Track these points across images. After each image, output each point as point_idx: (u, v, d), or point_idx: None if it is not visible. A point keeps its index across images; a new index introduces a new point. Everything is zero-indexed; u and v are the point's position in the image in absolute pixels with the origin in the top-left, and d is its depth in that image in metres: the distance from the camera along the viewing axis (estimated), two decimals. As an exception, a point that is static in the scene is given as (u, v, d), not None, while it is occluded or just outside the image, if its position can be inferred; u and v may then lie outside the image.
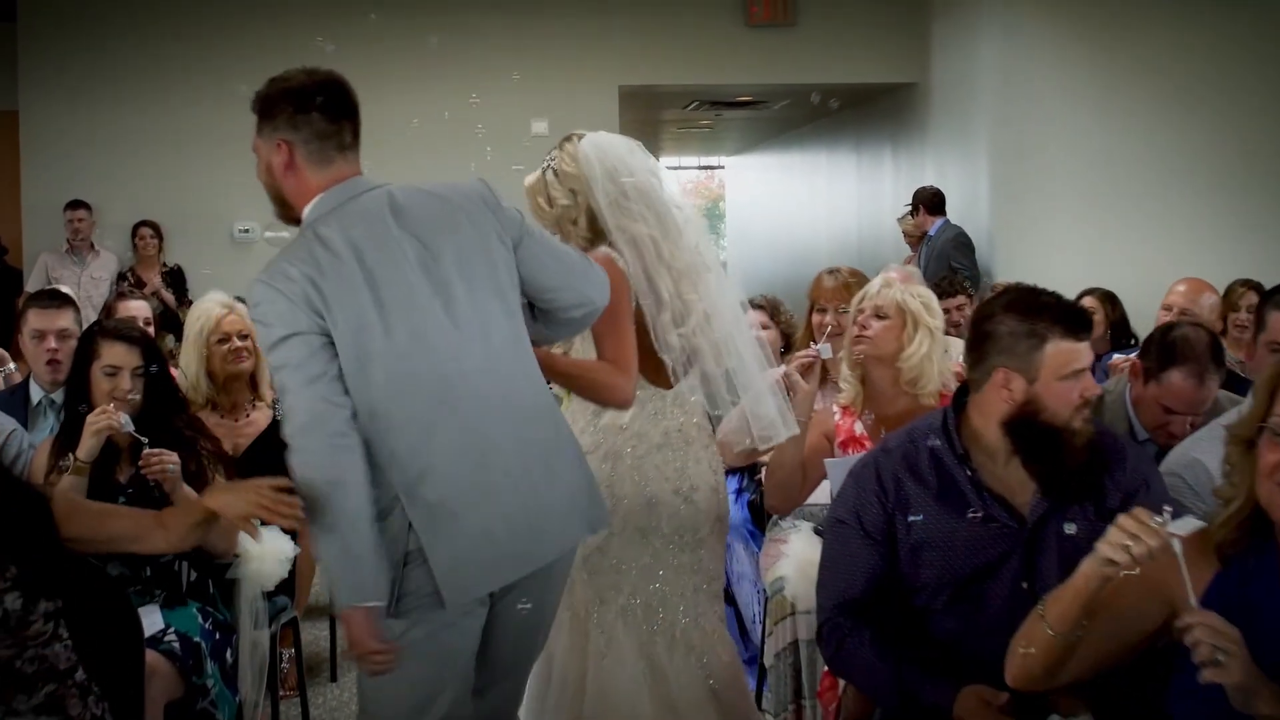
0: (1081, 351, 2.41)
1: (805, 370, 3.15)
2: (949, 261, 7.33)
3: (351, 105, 2.45)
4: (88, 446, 3.11)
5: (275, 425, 3.99)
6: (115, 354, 3.23)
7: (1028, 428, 2.41)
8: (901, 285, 3.23)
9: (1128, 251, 6.71)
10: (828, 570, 2.58)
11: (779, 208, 13.13)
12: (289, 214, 2.47)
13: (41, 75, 8.31)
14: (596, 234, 2.92)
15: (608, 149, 2.94)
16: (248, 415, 4.05)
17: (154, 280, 8.02)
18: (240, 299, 4.30)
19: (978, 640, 2.40)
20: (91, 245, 8.21)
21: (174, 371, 4.20)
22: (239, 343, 3.99)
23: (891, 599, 2.52)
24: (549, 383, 2.69)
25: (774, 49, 8.74)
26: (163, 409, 3.28)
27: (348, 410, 2.28)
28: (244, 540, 3.31)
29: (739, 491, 4.71)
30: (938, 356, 3.21)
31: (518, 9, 8.43)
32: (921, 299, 3.23)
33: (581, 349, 2.92)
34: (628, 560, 2.98)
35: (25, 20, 8.29)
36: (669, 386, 2.98)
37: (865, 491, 2.55)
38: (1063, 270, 6.23)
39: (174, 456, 3.10)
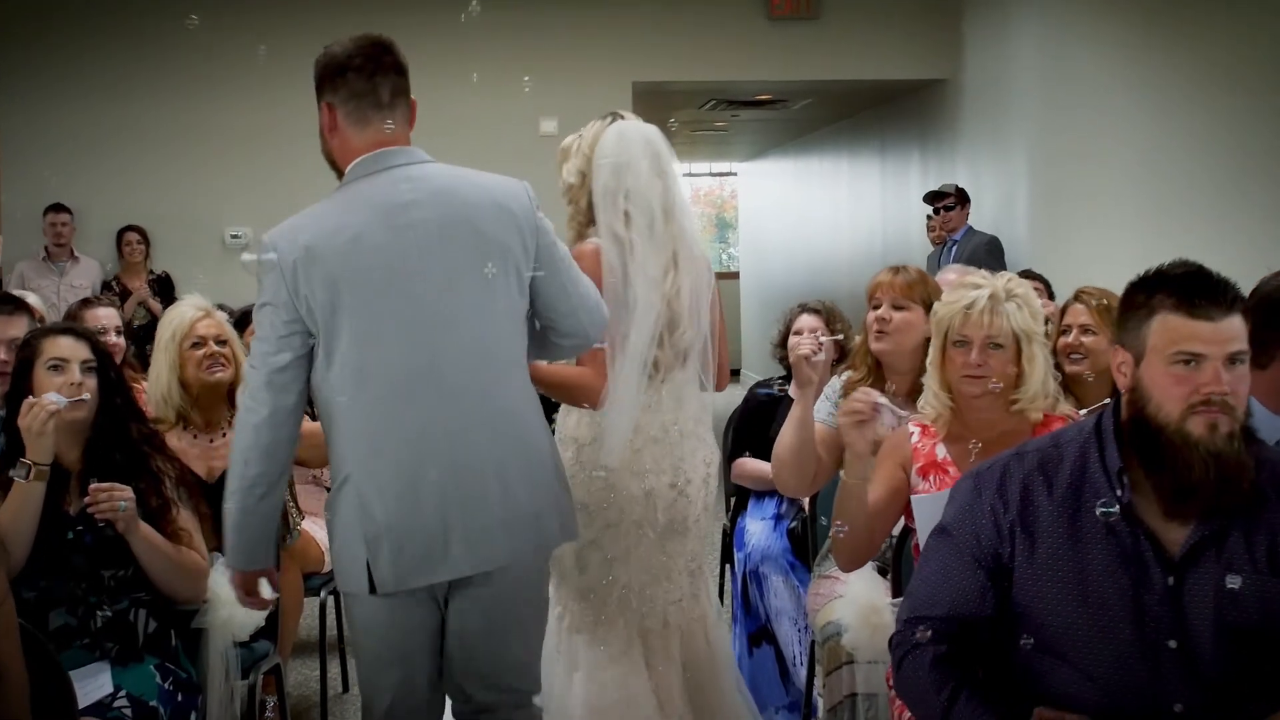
0: (1199, 333, 1.95)
1: (860, 424, 2.67)
2: (982, 269, 6.84)
3: (388, 64, 2.46)
4: (39, 447, 2.66)
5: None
6: (60, 347, 2.79)
7: (1137, 426, 2.00)
8: (1004, 297, 2.73)
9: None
10: (917, 579, 2.22)
11: (796, 215, 12.63)
12: (342, 178, 2.52)
13: (20, 72, 7.85)
14: (593, 220, 3.02)
15: (627, 144, 2.98)
16: (224, 434, 3.56)
17: (141, 288, 7.58)
18: (222, 306, 3.87)
19: (1106, 705, 1.96)
20: (71, 252, 7.79)
21: (141, 386, 3.80)
22: (216, 348, 3.51)
23: (988, 635, 2.10)
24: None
25: (796, 43, 8.26)
26: (116, 416, 2.82)
27: (288, 401, 2.38)
28: (214, 585, 2.83)
29: (777, 518, 4.26)
30: (1050, 366, 2.75)
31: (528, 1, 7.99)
32: (1026, 305, 2.74)
33: None
34: (621, 552, 3.03)
35: (2, 15, 7.85)
36: (662, 380, 3.02)
37: (982, 498, 2.11)
38: (1110, 281, 5.70)
39: (126, 491, 2.62)
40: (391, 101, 2.45)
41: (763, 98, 9.34)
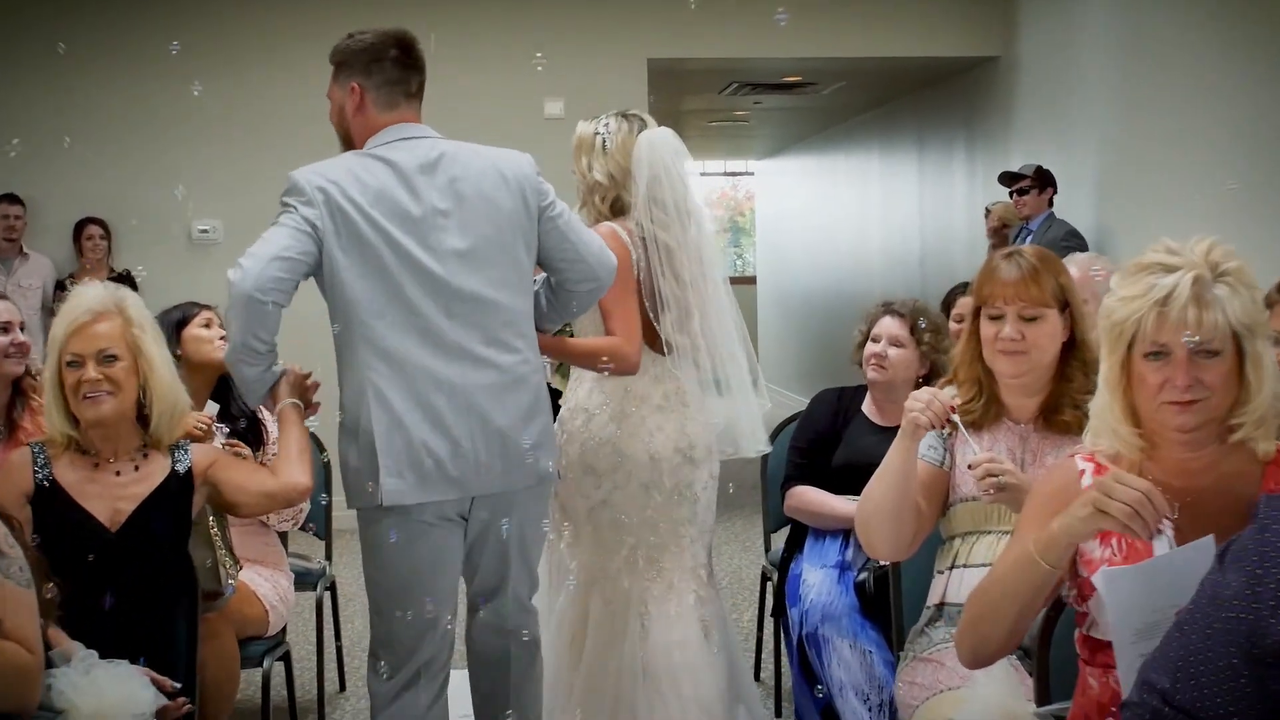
0: None
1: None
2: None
3: (419, 59, 2.81)
4: None
5: (175, 479, 2.72)
6: None
7: None
8: (1211, 278, 1.86)
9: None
10: (1178, 633, 1.55)
11: (821, 215, 11.77)
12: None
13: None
14: (614, 213, 3.20)
15: (659, 151, 3.14)
16: (135, 467, 2.72)
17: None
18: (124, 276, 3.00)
19: None
20: (21, 248, 7.01)
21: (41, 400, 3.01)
22: (95, 372, 2.64)
23: None
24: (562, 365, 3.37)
25: (828, 18, 7.40)
26: None
27: (277, 274, 2.55)
28: (65, 690, 1.96)
29: (841, 567, 3.41)
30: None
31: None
32: (1241, 283, 1.87)
33: (588, 328, 3.22)
34: (631, 513, 3.18)
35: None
36: (664, 353, 3.20)
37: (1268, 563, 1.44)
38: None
39: None
40: (417, 92, 2.80)
41: (789, 79, 8.48)
